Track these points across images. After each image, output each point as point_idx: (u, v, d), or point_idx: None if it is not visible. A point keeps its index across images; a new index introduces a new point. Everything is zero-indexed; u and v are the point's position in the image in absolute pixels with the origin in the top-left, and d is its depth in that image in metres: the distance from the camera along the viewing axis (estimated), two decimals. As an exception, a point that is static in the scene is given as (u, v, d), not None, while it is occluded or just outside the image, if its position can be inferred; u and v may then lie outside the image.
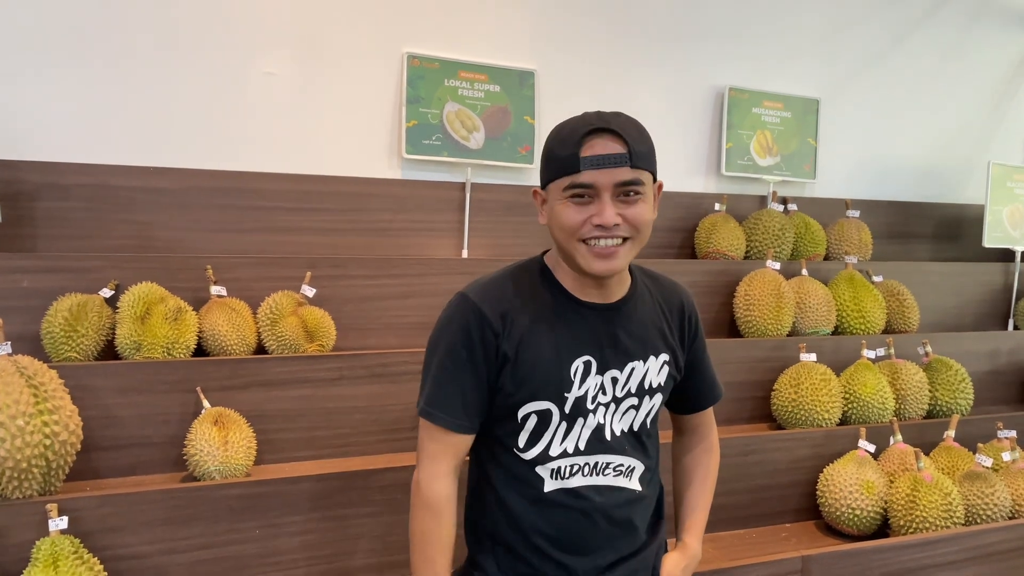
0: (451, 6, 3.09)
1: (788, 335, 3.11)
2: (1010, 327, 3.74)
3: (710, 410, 1.72)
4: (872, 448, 2.63)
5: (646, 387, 1.51)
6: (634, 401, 1.50)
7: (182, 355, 2.32)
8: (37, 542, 1.81)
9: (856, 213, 3.63)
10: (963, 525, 2.40)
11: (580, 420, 1.47)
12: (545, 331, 1.45)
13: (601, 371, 1.47)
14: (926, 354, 3.10)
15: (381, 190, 3.01)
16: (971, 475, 2.52)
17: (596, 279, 1.45)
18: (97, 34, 2.59)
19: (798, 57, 3.73)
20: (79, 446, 1.97)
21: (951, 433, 2.72)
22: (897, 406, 2.91)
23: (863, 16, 3.81)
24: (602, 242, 1.39)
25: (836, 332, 3.23)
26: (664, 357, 1.53)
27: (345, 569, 2.11)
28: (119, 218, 2.59)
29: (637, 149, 1.37)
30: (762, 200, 3.65)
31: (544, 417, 1.46)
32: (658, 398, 1.54)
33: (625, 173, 1.37)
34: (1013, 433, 2.73)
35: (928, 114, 4.02)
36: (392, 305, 2.76)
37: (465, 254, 3.13)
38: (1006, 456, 2.66)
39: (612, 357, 1.48)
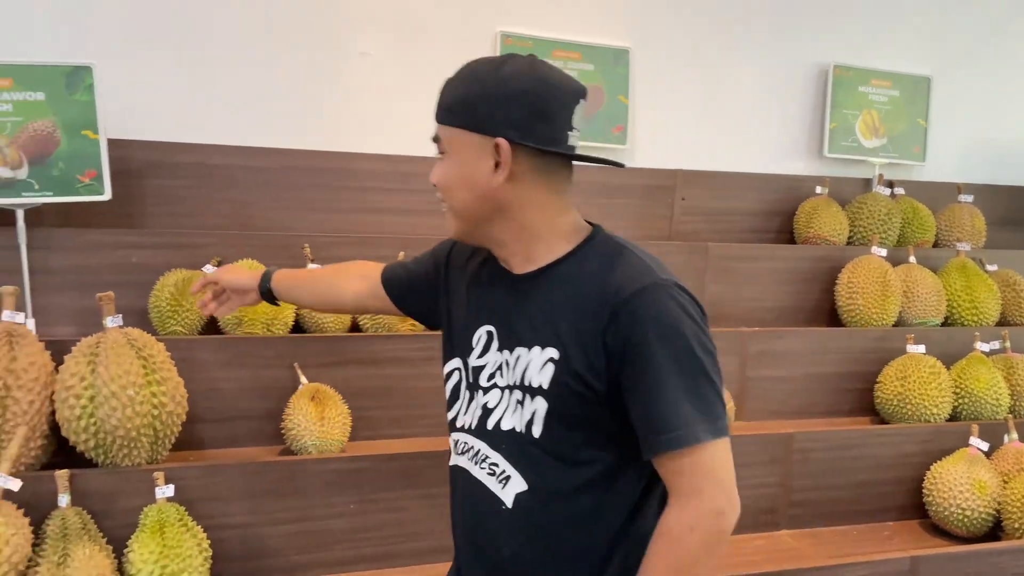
0: (546, -17, 3.04)
1: (894, 325, 2.96)
2: None
3: (683, 465, 1.14)
4: (985, 446, 2.49)
5: (526, 383, 1.22)
6: (519, 396, 1.23)
7: (281, 331, 2.36)
8: (145, 509, 1.87)
9: (969, 198, 3.43)
10: (1087, 532, 2.25)
11: (475, 394, 1.30)
12: (469, 288, 1.37)
13: (500, 348, 1.27)
14: (1046, 349, 2.91)
15: (473, 171, 3.00)
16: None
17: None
18: (201, 18, 2.65)
19: (908, 32, 3.53)
20: (184, 417, 2.03)
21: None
22: (1012, 403, 2.74)
23: (981, -12, 3.59)
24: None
25: (946, 323, 3.06)
26: (551, 353, 1.19)
27: (436, 547, 2.12)
28: (221, 196, 2.66)
29: (441, 101, 1.25)
30: (867, 183, 3.48)
31: (456, 378, 1.35)
32: (541, 403, 1.20)
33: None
34: None
35: (1051, 92, 3.76)
36: (483, 286, 2.75)
37: (555, 236, 3.09)
38: None
39: (507, 336, 1.27)
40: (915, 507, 2.55)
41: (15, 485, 1.74)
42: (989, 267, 3.20)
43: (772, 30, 3.34)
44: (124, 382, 1.86)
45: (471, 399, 1.31)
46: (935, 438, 2.57)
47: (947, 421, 2.68)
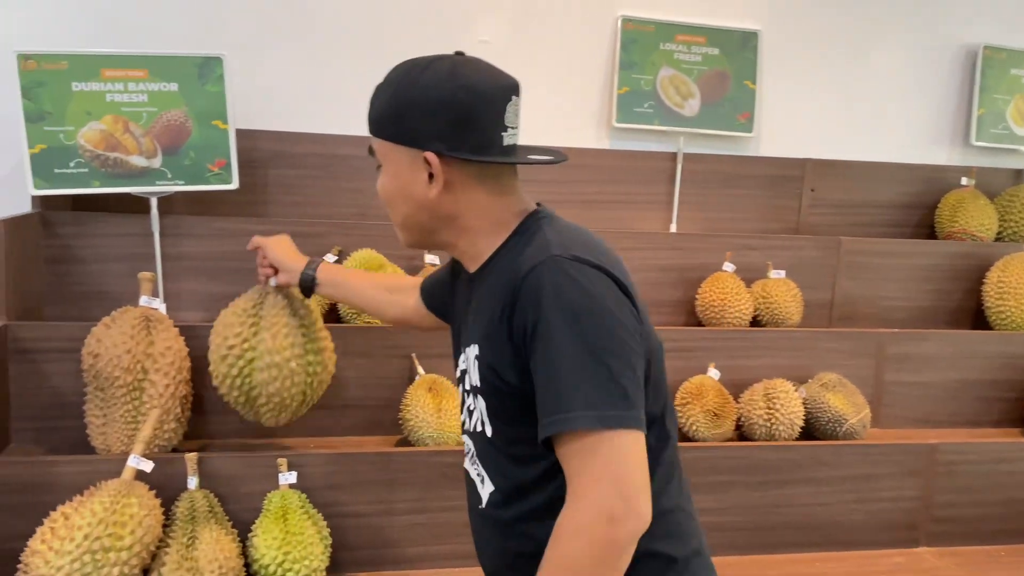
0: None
1: (1050, 329, 2.72)
2: None
3: (571, 454, 1.05)
4: None
5: (471, 384, 1.22)
6: (472, 399, 1.24)
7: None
8: (268, 494, 1.90)
9: None
10: None
11: (464, 397, 1.29)
12: (457, 292, 1.36)
13: (464, 350, 1.26)
14: None
15: (589, 161, 2.92)
16: None
17: None
18: (326, 9, 2.67)
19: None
20: (330, 381, 2.05)
21: None
22: None
23: None
24: None
25: (1111, 328, 2.78)
26: (475, 350, 1.18)
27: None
28: (343, 186, 2.67)
29: (370, 112, 1.23)
30: (1018, 174, 3.20)
31: (459, 382, 1.32)
32: (481, 402, 1.19)
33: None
34: None
35: None
36: (600, 279, 2.67)
37: (674, 228, 2.98)
38: None
39: (462, 337, 1.27)
40: (1074, 530, 2.33)
41: (148, 467, 1.79)
42: None
43: (914, 8, 3.11)
44: (288, 355, 1.87)
45: (464, 402, 1.31)
46: (1099, 455, 2.34)
47: (1114, 437, 2.44)
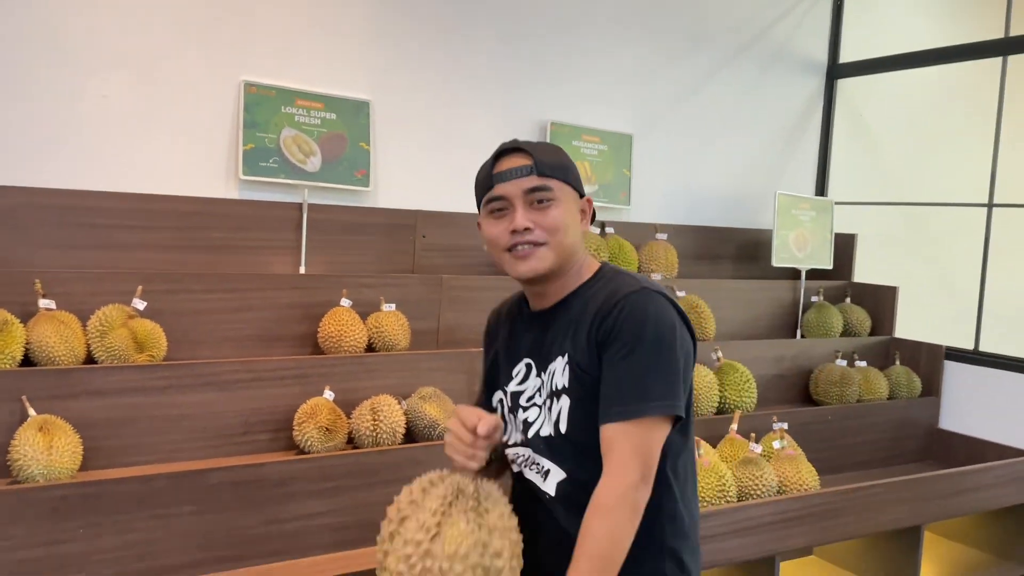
0: (286, 36, 3.29)
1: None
2: (798, 336, 4.26)
3: (615, 438, 1.41)
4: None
5: (554, 388, 1.54)
6: (550, 403, 1.54)
7: (8, 365, 2.38)
8: None
9: (664, 236, 4.06)
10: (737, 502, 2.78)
11: (517, 413, 1.61)
12: (509, 336, 1.68)
13: (539, 373, 1.59)
14: (718, 359, 3.52)
15: (219, 209, 3.14)
16: (745, 461, 2.92)
17: (530, 285, 1.59)
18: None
19: (614, 95, 4.14)
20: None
21: (734, 427, 3.12)
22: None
23: (672, 59, 4.29)
24: (520, 247, 1.51)
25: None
26: (568, 356, 1.52)
27: (168, 565, 2.24)
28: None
29: (542, 159, 1.51)
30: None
31: (500, 407, 1.68)
32: (565, 401, 1.51)
33: (531, 181, 1.51)
34: (784, 425, 3.18)
35: (729, 149, 4.54)
36: (227, 318, 2.90)
37: (303, 270, 3.30)
38: (776, 444, 3.09)
39: (542, 360, 1.58)
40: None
41: None
42: (679, 293, 3.81)
43: (499, 90, 3.80)
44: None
45: (514, 418, 1.63)
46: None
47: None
